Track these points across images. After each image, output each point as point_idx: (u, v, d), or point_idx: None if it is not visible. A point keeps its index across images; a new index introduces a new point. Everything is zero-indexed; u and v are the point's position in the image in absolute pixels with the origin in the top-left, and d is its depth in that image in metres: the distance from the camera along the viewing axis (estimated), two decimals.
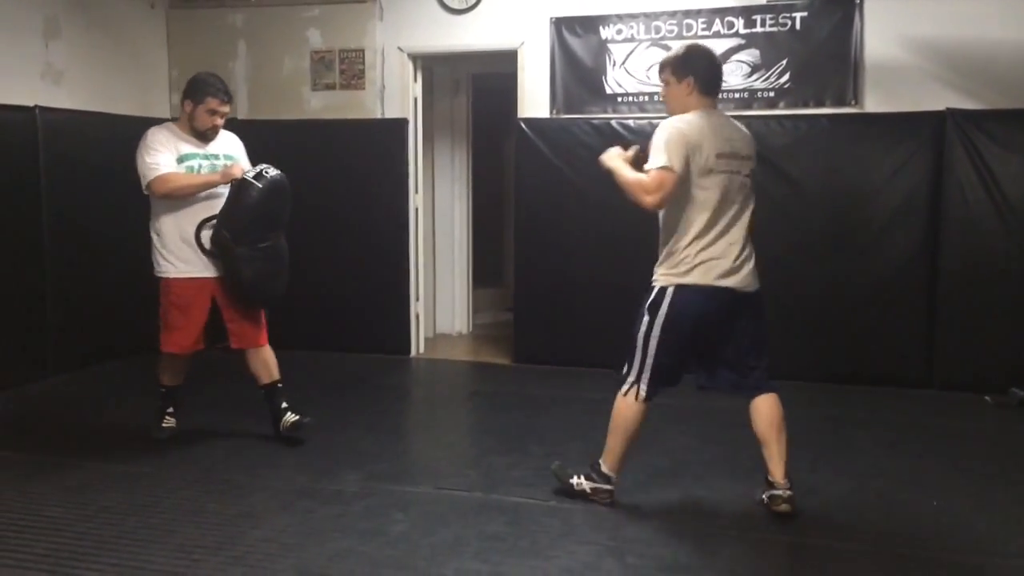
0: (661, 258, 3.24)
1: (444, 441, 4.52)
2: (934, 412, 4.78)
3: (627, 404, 3.26)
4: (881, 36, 5.15)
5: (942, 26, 5.07)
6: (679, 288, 3.15)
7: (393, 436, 4.45)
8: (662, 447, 4.08)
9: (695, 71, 3.22)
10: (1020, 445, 4.19)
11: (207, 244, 3.90)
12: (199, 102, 3.91)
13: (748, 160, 3.25)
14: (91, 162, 5.46)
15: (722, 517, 3.30)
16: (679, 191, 3.10)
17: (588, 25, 5.58)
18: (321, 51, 6.09)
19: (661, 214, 3.23)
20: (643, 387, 3.22)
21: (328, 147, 6.04)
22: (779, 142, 5.26)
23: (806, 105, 5.30)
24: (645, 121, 5.43)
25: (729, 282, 3.16)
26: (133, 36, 6.07)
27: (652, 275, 3.26)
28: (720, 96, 5.47)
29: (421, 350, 6.30)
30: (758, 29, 5.32)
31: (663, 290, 3.18)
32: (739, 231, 3.20)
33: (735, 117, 5.25)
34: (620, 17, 5.52)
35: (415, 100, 6.09)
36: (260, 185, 3.84)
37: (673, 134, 3.08)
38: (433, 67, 6.56)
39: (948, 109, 5.04)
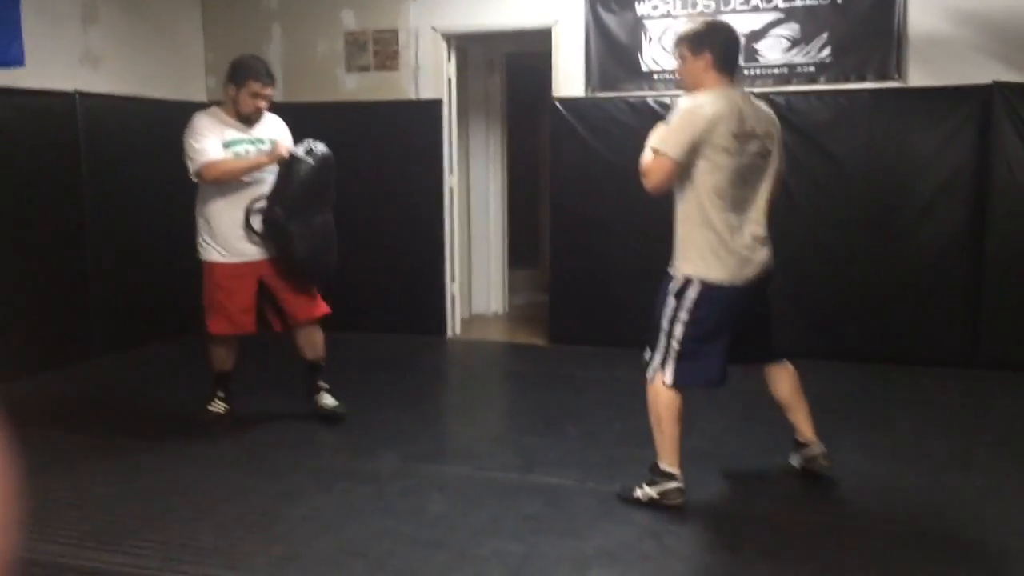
0: (679, 245, 3.09)
1: (480, 421, 4.54)
2: (979, 392, 4.69)
3: (656, 391, 3.12)
4: (925, 7, 5.02)
5: None
6: (705, 282, 3.01)
7: (430, 416, 4.47)
8: (702, 429, 4.04)
9: (712, 46, 3.04)
10: None
11: (257, 227, 3.90)
12: (241, 85, 3.89)
13: (766, 139, 3.05)
14: (130, 145, 5.54)
15: (762, 498, 3.27)
16: (688, 176, 2.98)
17: (623, 1, 5.49)
18: (355, 32, 6.09)
19: (676, 198, 3.09)
20: (668, 372, 3.08)
21: (363, 129, 6.05)
22: (820, 118, 5.17)
23: (847, 80, 5.18)
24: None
25: (749, 271, 3.04)
26: (169, 20, 6.11)
27: (671, 262, 3.12)
28: (759, 72, 5.41)
29: (457, 331, 6.32)
30: (797, 2, 5.20)
31: (688, 280, 3.03)
32: (756, 214, 3.07)
33: (774, 93, 5.28)
34: None
35: (449, 80, 6.07)
36: (311, 161, 3.87)
37: (682, 119, 2.95)
38: (467, 47, 6.53)
39: (995, 82, 4.90)
